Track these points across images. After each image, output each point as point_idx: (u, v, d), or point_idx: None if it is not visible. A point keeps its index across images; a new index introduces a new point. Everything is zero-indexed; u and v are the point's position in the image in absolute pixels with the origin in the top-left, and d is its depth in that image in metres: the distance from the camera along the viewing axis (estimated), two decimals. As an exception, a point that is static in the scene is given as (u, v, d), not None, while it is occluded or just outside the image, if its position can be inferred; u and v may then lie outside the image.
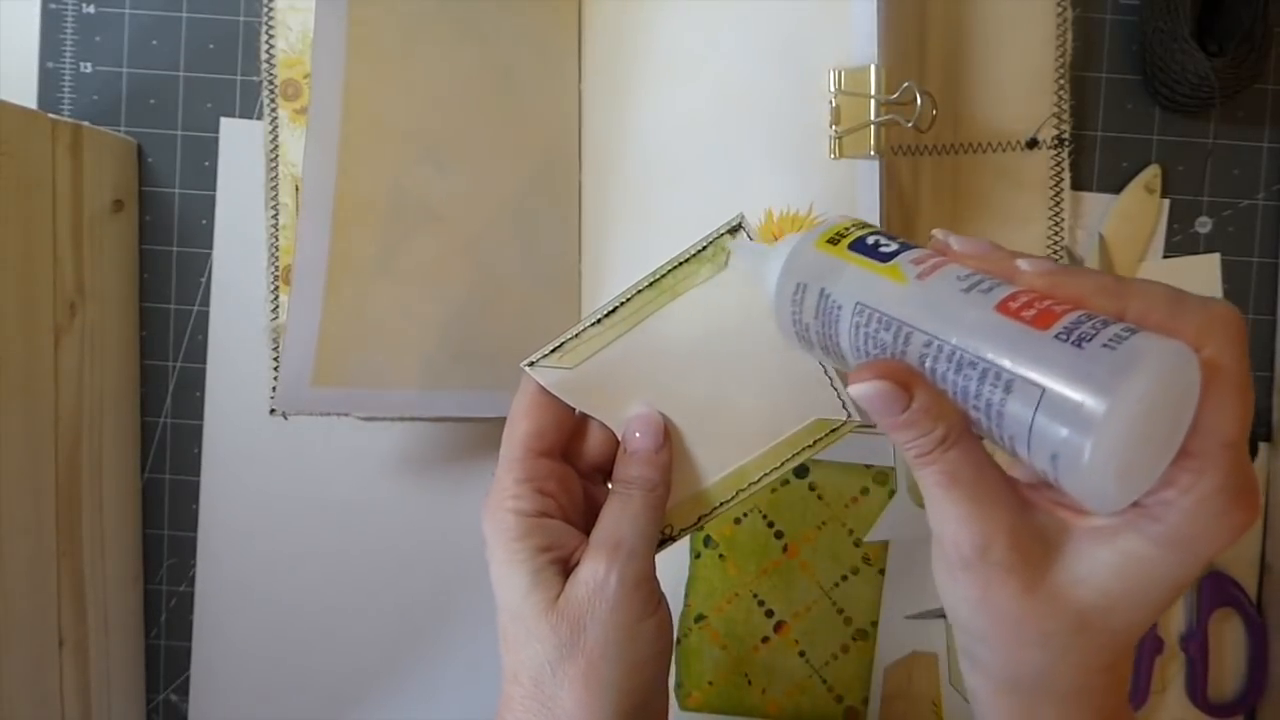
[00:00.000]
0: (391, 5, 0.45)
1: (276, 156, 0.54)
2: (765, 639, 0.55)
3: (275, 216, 0.54)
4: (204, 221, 0.55)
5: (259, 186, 0.55)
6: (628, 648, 0.33)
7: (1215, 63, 0.49)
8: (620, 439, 0.37)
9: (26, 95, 0.55)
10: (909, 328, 0.28)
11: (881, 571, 0.55)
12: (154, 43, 0.55)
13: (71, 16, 0.55)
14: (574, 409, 0.37)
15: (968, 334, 0.26)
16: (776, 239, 0.46)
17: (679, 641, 0.55)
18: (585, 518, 0.36)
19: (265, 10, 0.54)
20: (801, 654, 0.55)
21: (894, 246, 0.30)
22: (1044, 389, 0.24)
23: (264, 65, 0.54)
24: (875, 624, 0.55)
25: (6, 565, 0.45)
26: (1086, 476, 0.24)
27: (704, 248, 0.36)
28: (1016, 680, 0.29)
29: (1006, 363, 0.25)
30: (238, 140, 0.55)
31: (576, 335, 0.36)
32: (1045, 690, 0.29)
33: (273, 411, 0.55)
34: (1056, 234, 0.53)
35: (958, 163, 0.53)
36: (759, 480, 0.38)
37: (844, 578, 0.55)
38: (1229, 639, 0.54)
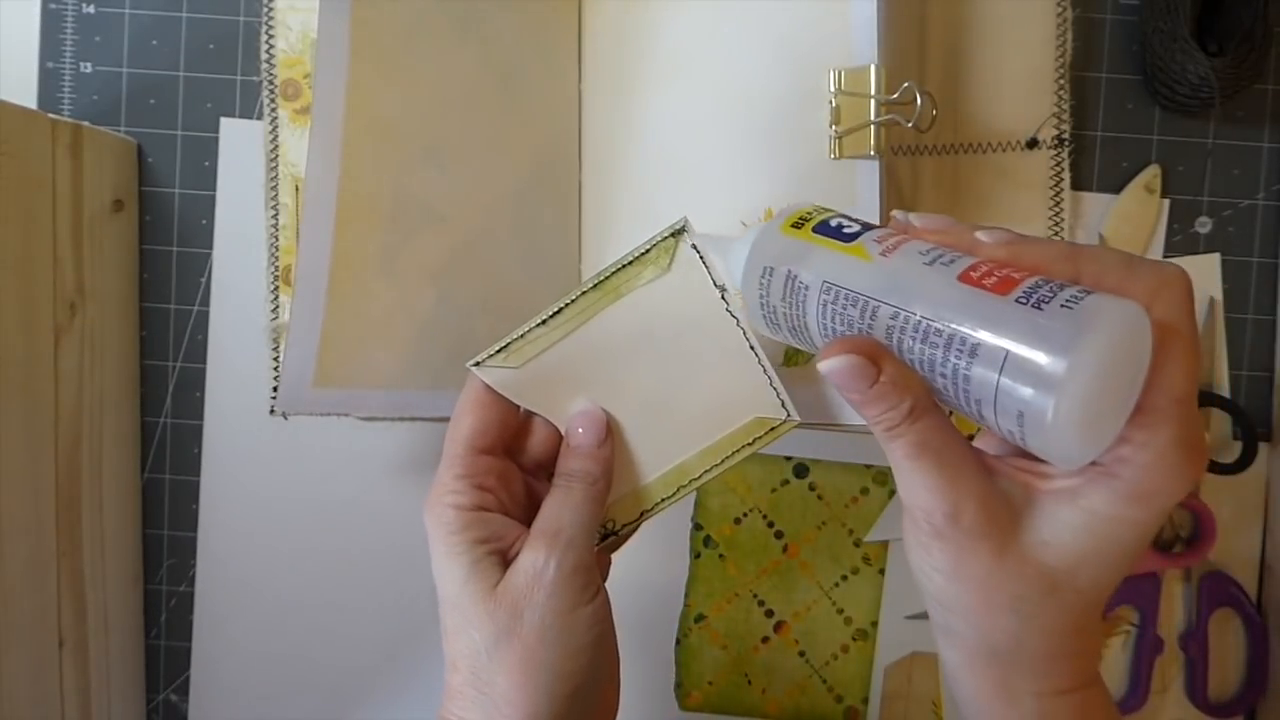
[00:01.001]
0: (393, 5, 0.45)
1: (276, 156, 0.54)
2: (765, 639, 0.55)
3: (275, 216, 0.54)
4: (204, 221, 0.55)
5: (259, 186, 0.55)
6: (564, 633, 0.34)
7: (1215, 63, 0.49)
8: (564, 435, 0.38)
9: (26, 95, 0.55)
10: (875, 302, 0.28)
11: (881, 571, 0.55)
12: (154, 43, 0.55)
13: (71, 16, 0.55)
14: (519, 407, 0.38)
15: (932, 304, 0.27)
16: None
17: (679, 641, 0.55)
18: (527, 512, 0.37)
19: (265, 10, 0.54)
20: (801, 654, 0.55)
21: (856, 228, 0.31)
22: (1007, 351, 0.25)
23: (264, 65, 0.54)
24: (875, 624, 0.55)
25: (6, 565, 0.45)
26: (1051, 433, 0.25)
27: (648, 250, 0.37)
28: (991, 649, 0.30)
29: (970, 329, 0.26)
30: (238, 140, 0.55)
31: (522, 336, 0.37)
32: (1018, 656, 0.29)
33: (273, 411, 0.55)
34: (1056, 234, 0.53)
35: (958, 163, 0.53)
36: (700, 477, 0.39)
37: (844, 578, 0.55)
38: (1229, 639, 0.54)
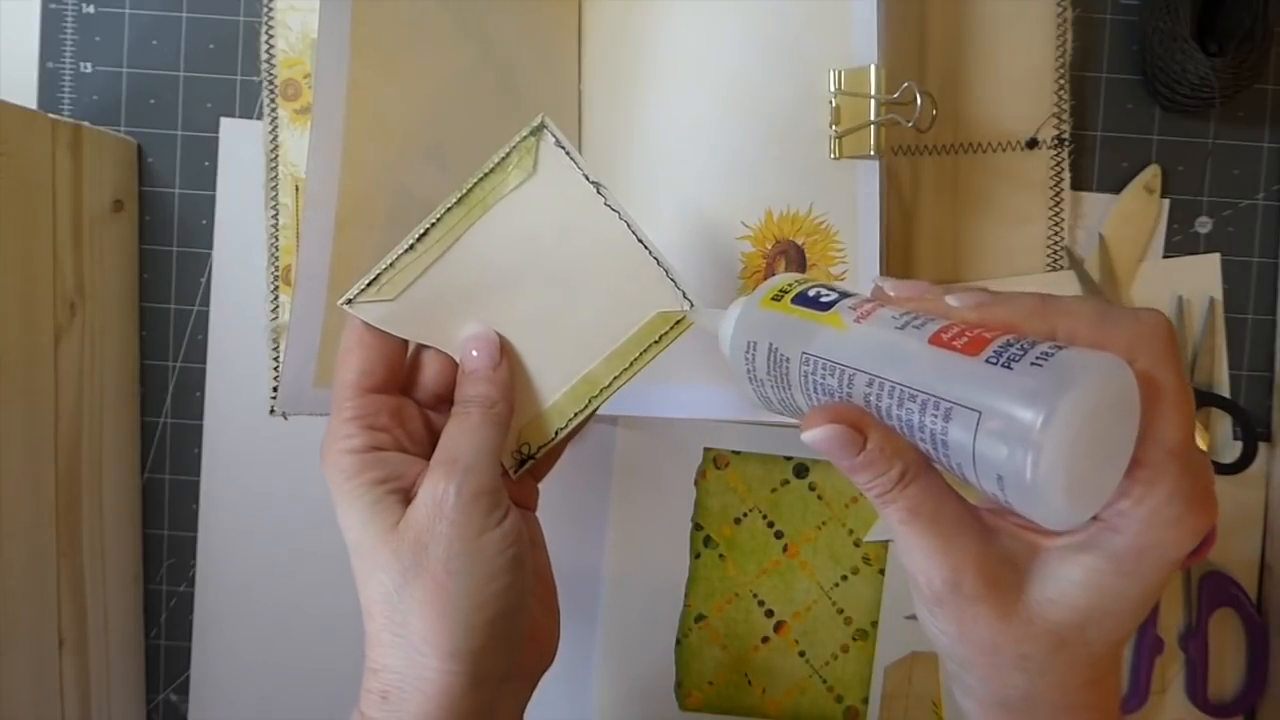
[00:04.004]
0: (394, 5, 0.45)
1: (276, 156, 0.54)
2: (765, 639, 0.55)
3: (275, 216, 0.54)
4: (204, 221, 0.55)
5: (259, 186, 0.55)
6: (473, 561, 0.33)
7: (1215, 63, 0.49)
8: (458, 362, 0.37)
9: (26, 95, 0.55)
10: (851, 370, 0.28)
11: (881, 571, 0.55)
12: (154, 43, 0.55)
13: (71, 16, 0.55)
14: (405, 341, 0.36)
15: (904, 369, 0.27)
16: (777, 239, 0.46)
17: (679, 641, 0.55)
18: (430, 449, 0.35)
19: (265, 10, 0.54)
20: (801, 654, 0.55)
21: (833, 296, 0.31)
22: (980, 413, 0.25)
23: (264, 65, 0.54)
24: (875, 624, 0.55)
25: (6, 565, 0.45)
26: (1032, 493, 0.24)
27: (508, 154, 0.36)
28: (1004, 703, 0.29)
29: (942, 392, 0.26)
30: (238, 140, 0.55)
31: (391, 265, 0.35)
32: (1032, 710, 0.29)
33: (273, 411, 0.55)
34: (1056, 234, 0.53)
35: (958, 163, 0.53)
36: (610, 385, 0.37)
37: (844, 578, 0.55)
38: (1229, 639, 0.54)
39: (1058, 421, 0.23)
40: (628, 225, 0.36)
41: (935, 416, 0.26)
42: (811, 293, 0.31)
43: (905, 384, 0.27)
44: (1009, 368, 0.25)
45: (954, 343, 0.26)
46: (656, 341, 0.37)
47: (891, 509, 0.28)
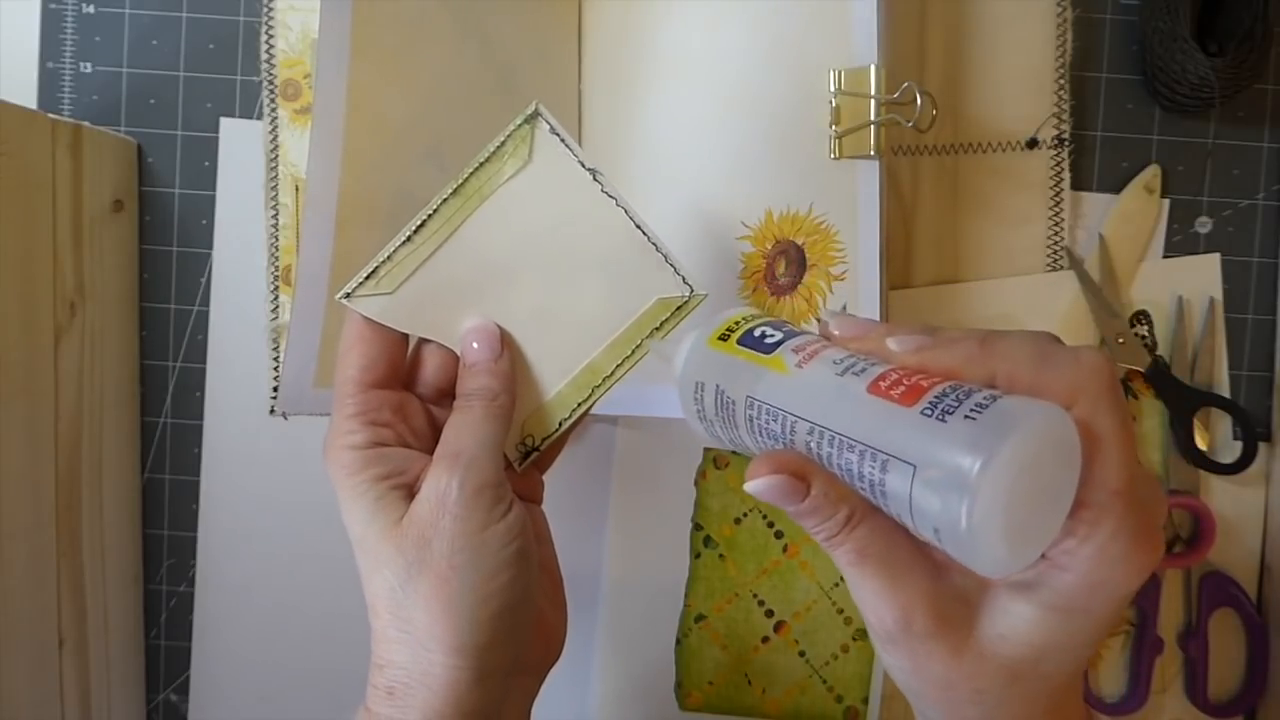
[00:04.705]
0: (394, 4, 0.45)
1: (276, 156, 0.54)
2: (765, 639, 0.55)
3: (275, 216, 0.54)
4: (204, 221, 0.55)
5: (259, 186, 0.55)
6: (477, 555, 0.33)
7: (1215, 63, 0.49)
8: (460, 355, 0.36)
9: (26, 95, 0.55)
10: (793, 417, 0.28)
11: (881, 571, 0.55)
12: (154, 43, 0.55)
13: (71, 16, 0.55)
14: (405, 335, 0.36)
15: (842, 419, 0.27)
16: (777, 239, 0.46)
17: (679, 641, 0.55)
18: (433, 444, 0.35)
19: (265, 10, 0.54)
20: (801, 654, 0.55)
21: (778, 336, 0.30)
22: (914, 466, 0.25)
23: (264, 65, 0.54)
24: (875, 624, 0.55)
25: (6, 565, 0.45)
26: (969, 547, 0.24)
27: (502, 142, 0.35)
28: None
29: (879, 442, 0.26)
30: (238, 140, 0.55)
31: (389, 258, 0.35)
32: None
33: (273, 411, 0.55)
34: (1056, 234, 0.53)
35: (958, 163, 0.53)
36: (613, 373, 0.37)
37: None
38: (1229, 639, 0.54)
39: (990, 476, 0.23)
40: (625, 212, 0.36)
41: (874, 467, 0.26)
42: (757, 332, 0.31)
43: (844, 434, 0.27)
44: (943, 420, 0.24)
45: (891, 392, 0.26)
46: (658, 328, 0.37)
47: (840, 551, 0.28)
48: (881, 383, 0.26)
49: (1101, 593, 0.26)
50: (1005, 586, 0.27)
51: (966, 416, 0.24)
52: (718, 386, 0.31)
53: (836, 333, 0.30)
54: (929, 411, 0.25)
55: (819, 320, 0.30)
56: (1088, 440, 0.25)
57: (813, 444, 0.28)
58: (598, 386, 0.37)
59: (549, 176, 0.36)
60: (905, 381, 0.26)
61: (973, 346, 0.27)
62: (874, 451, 0.26)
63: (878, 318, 0.44)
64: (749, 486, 0.28)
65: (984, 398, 0.25)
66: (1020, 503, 0.24)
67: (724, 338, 0.31)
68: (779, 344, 0.30)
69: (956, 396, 0.25)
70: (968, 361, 0.27)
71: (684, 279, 0.37)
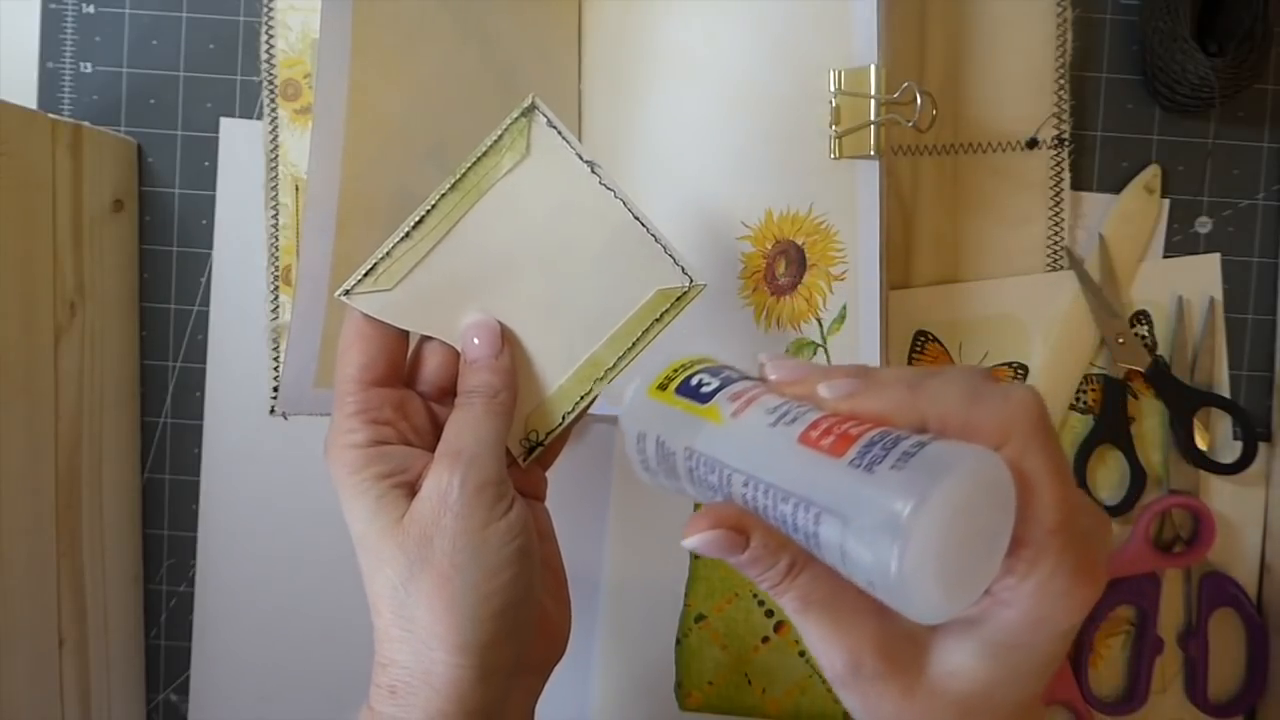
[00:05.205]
0: (395, 5, 0.45)
1: (276, 156, 0.54)
2: (765, 639, 0.55)
3: (275, 216, 0.54)
4: (204, 221, 0.55)
5: (259, 186, 0.55)
6: (479, 553, 0.33)
7: (1215, 63, 0.49)
8: (460, 352, 0.36)
9: (26, 95, 0.55)
10: (729, 469, 0.28)
11: (881, 571, 0.55)
12: (154, 43, 0.55)
13: (71, 16, 0.55)
14: (405, 332, 0.36)
15: (775, 470, 0.27)
16: (777, 239, 0.46)
17: (679, 641, 0.55)
18: (434, 441, 0.35)
19: (265, 10, 0.54)
20: (801, 654, 0.55)
21: (714, 385, 0.30)
22: (844, 517, 0.25)
23: (264, 65, 0.54)
24: (875, 624, 0.55)
25: (6, 565, 0.45)
26: (900, 594, 0.24)
27: (500, 136, 0.35)
28: None
29: (810, 494, 0.26)
30: (238, 140, 0.55)
31: (387, 254, 0.35)
32: None
33: (273, 412, 0.55)
34: (1056, 234, 0.53)
35: (958, 163, 0.53)
36: (615, 366, 0.37)
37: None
38: (1229, 639, 0.54)
39: (918, 524, 0.23)
40: (624, 203, 0.36)
41: (807, 518, 0.26)
42: (694, 381, 0.30)
43: (778, 485, 0.26)
44: (871, 471, 0.24)
45: (821, 442, 0.26)
46: (659, 319, 0.37)
47: (785, 599, 0.28)
48: (813, 432, 0.26)
49: (1044, 628, 0.26)
50: (953, 624, 0.27)
51: (893, 467, 0.24)
52: (658, 437, 0.30)
53: (773, 377, 0.29)
54: (857, 462, 0.25)
55: (760, 362, 0.30)
56: (1020, 479, 0.25)
57: (749, 495, 0.28)
58: (600, 379, 0.37)
59: (547, 169, 0.36)
60: (835, 430, 0.26)
61: (902, 391, 0.27)
62: (807, 503, 0.26)
63: (878, 318, 0.44)
64: (687, 543, 0.28)
65: (911, 445, 0.25)
66: (952, 548, 0.24)
67: (663, 386, 0.31)
68: (715, 392, 0.30)
69: (884, 445, 0.25)
70: (898, 407, 0.26)
71: (683, 269, 0.37)
